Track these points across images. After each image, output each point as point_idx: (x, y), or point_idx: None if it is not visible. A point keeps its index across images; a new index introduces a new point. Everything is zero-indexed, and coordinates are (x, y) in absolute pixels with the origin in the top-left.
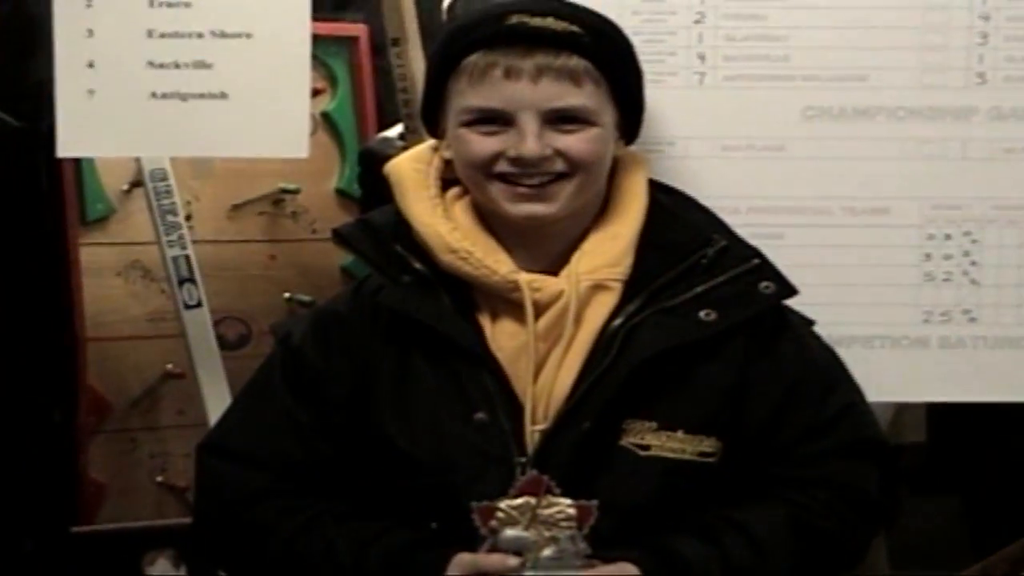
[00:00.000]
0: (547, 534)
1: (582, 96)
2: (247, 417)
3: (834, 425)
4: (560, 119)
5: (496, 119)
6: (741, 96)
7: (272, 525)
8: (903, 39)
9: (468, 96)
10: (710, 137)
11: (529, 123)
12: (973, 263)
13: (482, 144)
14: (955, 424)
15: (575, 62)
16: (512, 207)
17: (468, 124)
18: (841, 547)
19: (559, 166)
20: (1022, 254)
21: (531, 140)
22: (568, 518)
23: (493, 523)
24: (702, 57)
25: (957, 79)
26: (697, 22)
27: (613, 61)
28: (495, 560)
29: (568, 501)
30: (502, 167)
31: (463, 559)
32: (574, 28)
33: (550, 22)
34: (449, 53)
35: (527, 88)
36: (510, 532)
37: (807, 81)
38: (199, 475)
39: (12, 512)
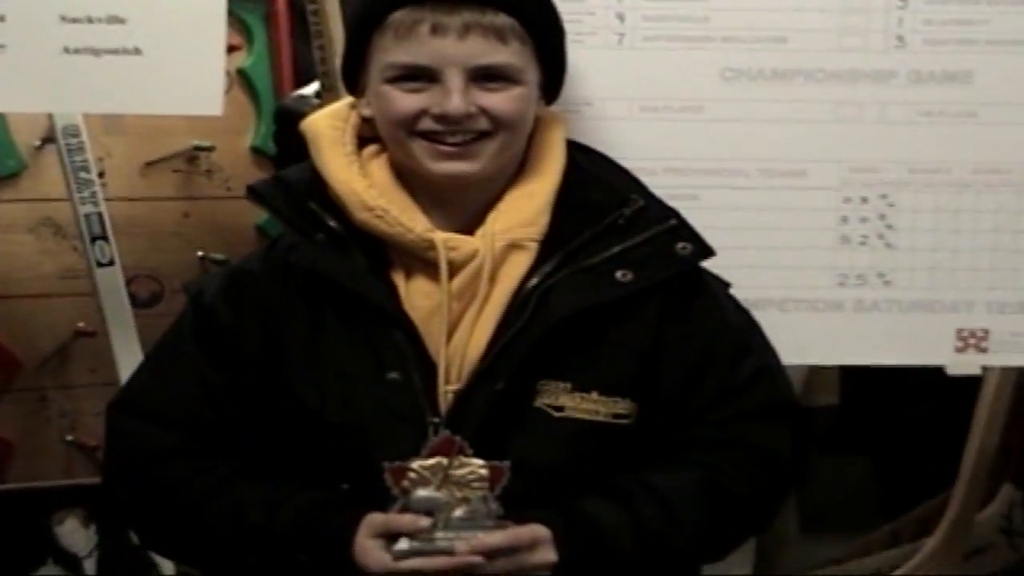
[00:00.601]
0: (459, 495)
1: (508, 53)
2: (158, 375)
3: (748, 388)
4: (485, 77)
5: (421, 76)
6: (660, 57)
7: (182, 484)
8: (823, 1)
9: (393, 52)
10: (628, 98)
11: (454, 80)
12: (889, 226)
13: (406, 101)
14: (867, 386)
15: (502, 19)
16: (434, 165)
17: (392, 80)
18: (752, 509)
19: (483, 124)
20: (937, 218)
21: (456, 97)
22: (480, 479)
23: (405, 483)
24: (621, 17)
25: (876, 42)
26: None
27: (538, 19)
28: (406, 520)
29: (480, 462)
30: (426, 125)
31: (374, 519)
32: None
33: None
34: (373, 8)
35: (453, 45)
36: (421, 492)
37: (726, 42)
38: (109, 434)
39: None
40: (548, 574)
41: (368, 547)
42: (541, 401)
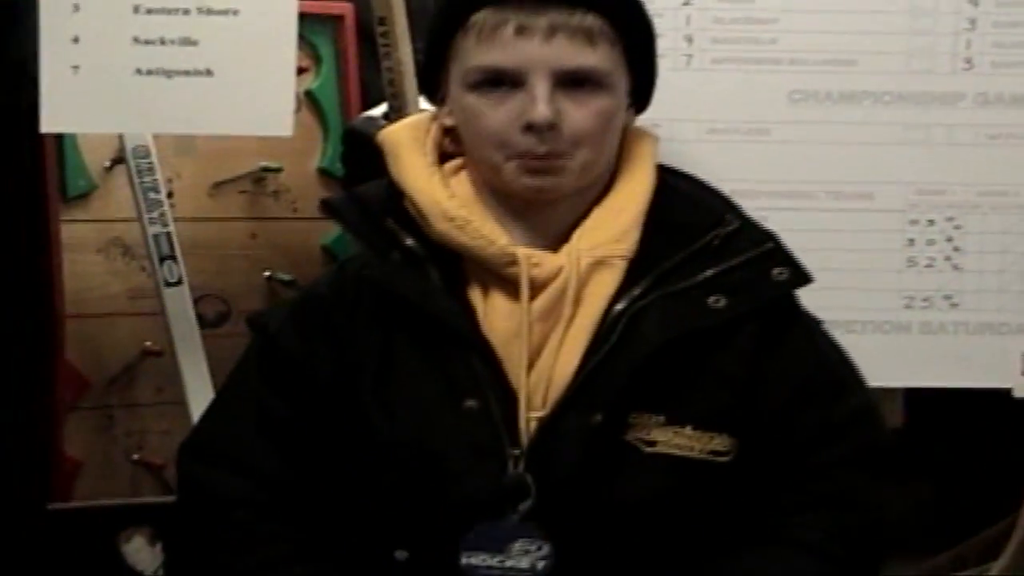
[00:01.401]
0: None
1: (596, 56)
2: (223, 416)
3: (851, 426)
4: (573, 81)
5: (504, 80)
6: (728, 79)
7: (241, 549)
8: (891, 24)
9: (475, 55)
10: (696, 120)
11: (540, 85)
12: (956, 249)
13: (493, 114)
14: (933, 409)
15: (590, 20)
16: (522, 180)
17: (474, 87)
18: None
19: (565, 141)
20: (1004, 240)
21: (542, 106)
22: None
23: None
24: (689, 39)
25: (944, 64)
26: (685, 3)
27: (629, 20)
28: None
29: None
30: (515, 143)
31: None
32: None
33: None
34: (454, 10)
35: (539, 47)
36: None
37: (794, 65)
38: (179, 478)
39: None
40: None
41: None
42: (632, 435)
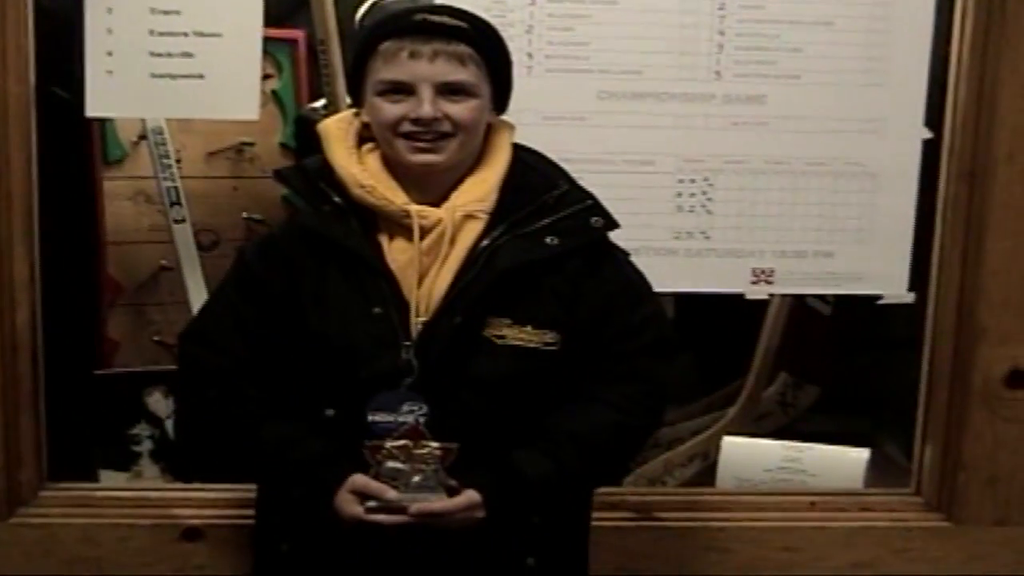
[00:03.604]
0: (418, 466)
1: (466, 74)
2: (211, 313)
3: (643, 327)
4: (449, 91)
5: (401, 90)
6: (557, 82)
7: (222, 408)
8: (667, 46)
9: (382, 72)
10: (535, 110)
11: (426, 92)
12: (709, 199)
13: (391, 109)
14: (693, 306)
15: (462, 48)
16: (412, 157)
17: (381, 94)
18: (646, 435)
19: (446, 127)
20: (741, 193)
21: (427, 105)
22: (435, 457)
23: (379, 457)
24: (530, 55)
25: (702, 75)
26: (527, 31)
27: (490, 50)
28: (377, 487)
29: (436, 444)
30: (405, 127)
31: (356, 481)
32: (462, 24)
33: (445, 19)
34: (369, 42)
35: (426, 66)
36: (390, 464)
37: (601, 73)
38: (179, 356)
39: (56, 360)
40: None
41: (347, 499)
42: (488, 332)
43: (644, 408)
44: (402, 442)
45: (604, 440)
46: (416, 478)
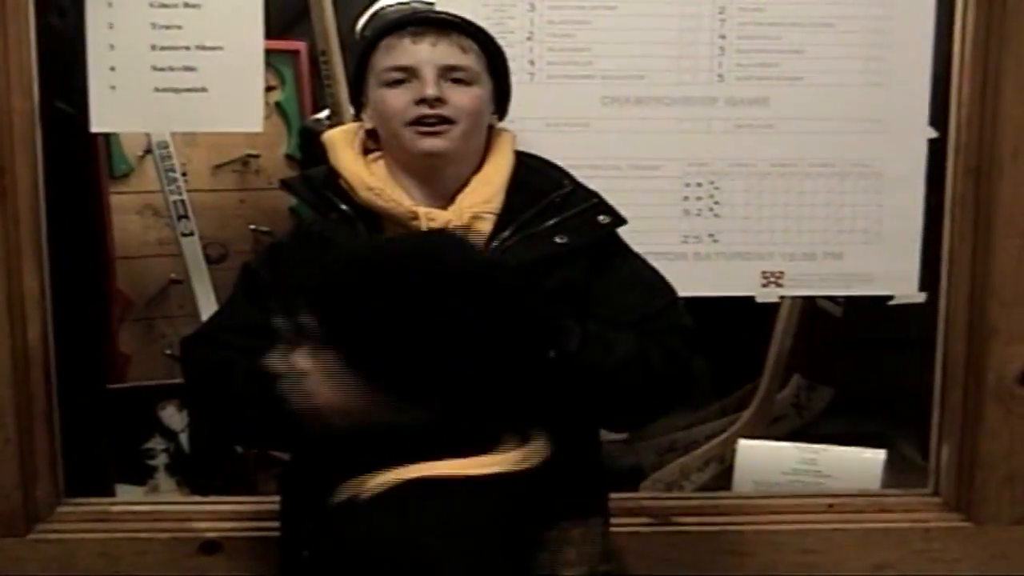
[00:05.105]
0: None
1: (468, 59)
2: (220, 320)
3: (661, 314)
4: (452, 77)
5: (405, 78)
6: (559, 89)
7: (217, 364)
8: (669, 51)
9: (385, 60)
10: (538, 117)
11: (429, 73)
12: (716, 202)
13: (397, 98)
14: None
15: (463, 39)
16: (418, 143)
17: (386, 84)
18: (663, 387)
19: (449, 111)
20: (747, 196)
21: (431, 86)
22: None
23: None
24: (532, 62)
25: (704, 78)
26: (528, 39)
27: (489, 51)
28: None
29: None
30: (411, 114)
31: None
32: (462, 22)
33: (444, 16)
34: (371, 40)
35: (428, 49)
36: None
37: (604, 79)
38: (182, 356)
39: (69, 376)
40: None
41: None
42: None
43: (664, 358)
44: None
45: (627, 341)
46: None
